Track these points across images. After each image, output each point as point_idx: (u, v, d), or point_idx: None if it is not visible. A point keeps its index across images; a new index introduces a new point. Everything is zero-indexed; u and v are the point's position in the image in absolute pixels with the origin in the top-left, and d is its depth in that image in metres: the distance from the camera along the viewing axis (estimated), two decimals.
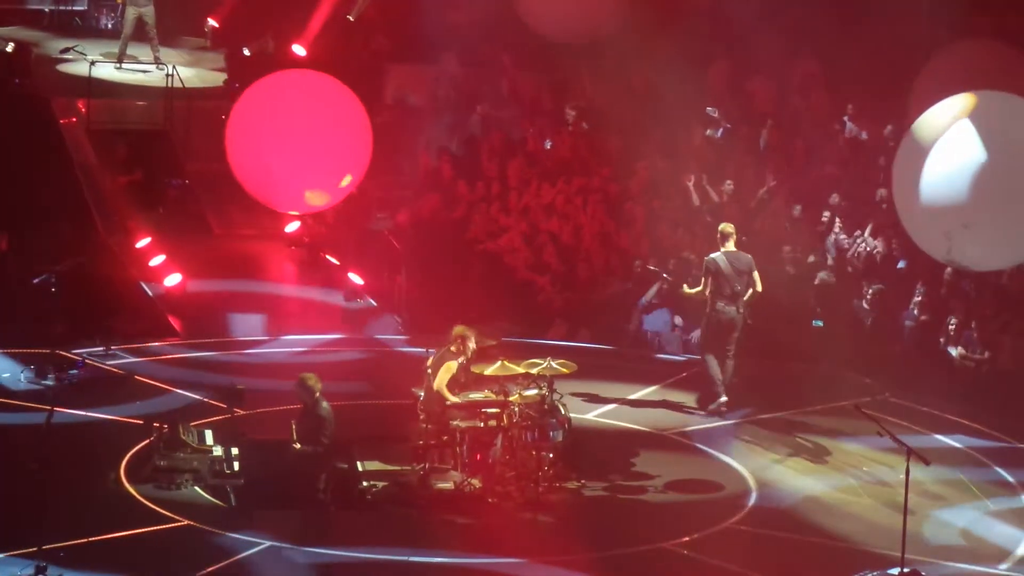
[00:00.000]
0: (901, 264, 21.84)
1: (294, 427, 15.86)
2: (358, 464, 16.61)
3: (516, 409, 16.28)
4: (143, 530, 15.02)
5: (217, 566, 14.37)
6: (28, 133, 24.30)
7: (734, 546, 15.40)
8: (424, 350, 17.31)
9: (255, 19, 29.09)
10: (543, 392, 16.49)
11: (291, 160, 19.51)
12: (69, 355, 19.38)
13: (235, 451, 16.09)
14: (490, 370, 16.60)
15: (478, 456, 16.24)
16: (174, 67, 25.90)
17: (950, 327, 20.31)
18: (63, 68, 27.51)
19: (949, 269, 20.52)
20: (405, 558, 14.78)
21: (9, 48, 26.67)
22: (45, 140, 24.42)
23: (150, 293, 22.22)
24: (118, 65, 27.23)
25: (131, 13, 26.89)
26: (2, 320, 20.60)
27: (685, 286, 19.77)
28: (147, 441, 16.26)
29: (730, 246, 19.23)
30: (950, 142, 17.53)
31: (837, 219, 22.73)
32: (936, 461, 15.87)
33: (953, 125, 17.60)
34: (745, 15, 25.45)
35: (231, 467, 15.94)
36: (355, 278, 23.10)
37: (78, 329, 20.43)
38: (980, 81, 19.61)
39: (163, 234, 23.18)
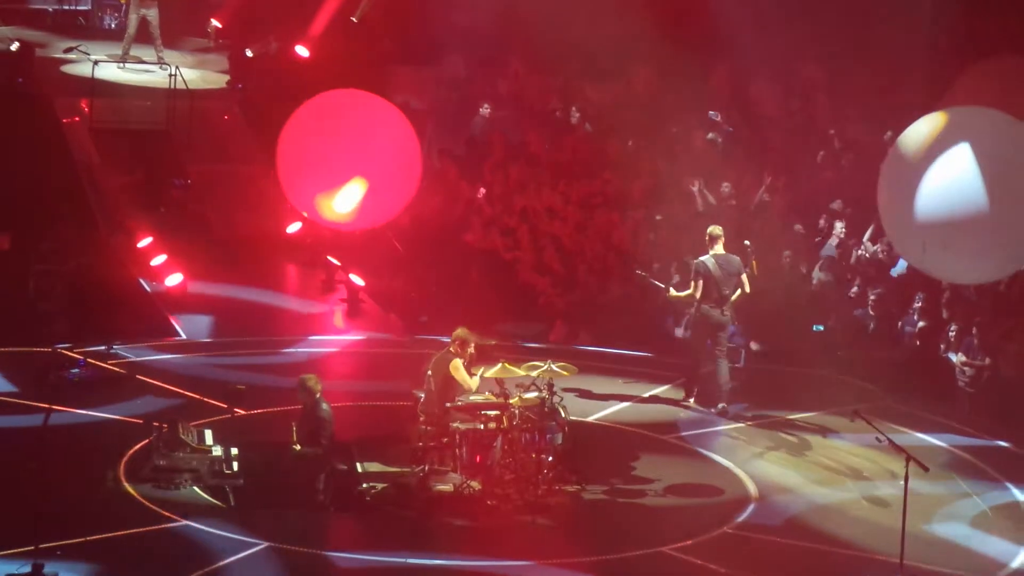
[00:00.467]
0: (897, 270, 21.85)
1: (294, 428, 15.86)
2: (358, 465, 16.61)
3: (516, 411, 16.28)
4: (141, 529, 15.01)
5: (215, 566, 14.36)
6: (31, 132, 24.32)
7: (733, 550, 15.39)
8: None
9: (258, 20, 29.12)
10: (543, 395, 16.50)
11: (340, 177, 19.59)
12: (70, 354, 19.39)
13: (234, 451, 16.09)
14: (491, 372, 16.60)
15: (478, 458, 16.22)
16: (177, 68, 25.92)
17: (950, 333, 20.30)
18: (66, 68, 27.52)
19: None
20: (404, 560, 14.76)
21: (13, 47, 26.70)
22: (48, 139, 24.44)
23: (151, 292, 22.22)
24: (121, 65, 27.25)
25: (135, 13, 26.92)
26: (3, 319, 20.61)
27: (672, 289, 19.76)
28: (146, 440, 16.26)
29: (719, 248, 19.21)
30: (939, 157, 17.55)
31: (837, 224, 22.73)
32: (935, 466, 15.84)
33: (939, 140, 17.64)
34: (747, 19, 25.46)
35: (230, 467, 15.93)
36: (356, 279, 23.09)
37: (79, 328, 20.43)
38: (1012, 97, 19.62)
39: (165, 234, 23.18)
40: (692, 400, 19.48)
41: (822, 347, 21.20)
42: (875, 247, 22.24)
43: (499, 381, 16.59)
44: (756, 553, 15.41)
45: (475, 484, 16.12)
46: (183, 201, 24.76)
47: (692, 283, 19.20)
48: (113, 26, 30.21)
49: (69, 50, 27.84)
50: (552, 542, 15.44)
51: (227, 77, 28.20)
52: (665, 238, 23.03)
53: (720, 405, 19.21)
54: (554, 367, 16.61)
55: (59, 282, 21.32)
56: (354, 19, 29.21)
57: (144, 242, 22.84)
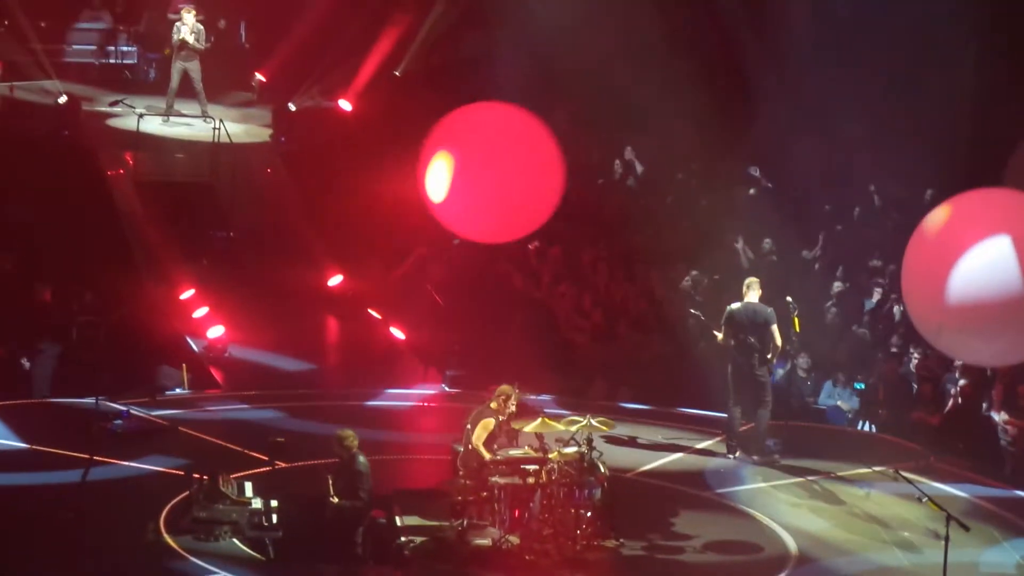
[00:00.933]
0: None
1: (331, 481, 15.87)
2: (396, 519, 16.61)
3: (555, 466, 16.27)
4: None
5: None
6: (76, 185, 24.52)
7: None
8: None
9: (302, 74, 29.31)
10: (582, 449, 16.49)
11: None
12: (114, 405, 19.50)
13: (274, 504, 16.11)
14: (530, 427, 16.61)
15: (516, 513, 16.20)
16: (221, 121, 26.10)
17: (993, 392, 20.21)
18: (112, 121, 27.74)
19: None
20: None
21: (61, 100, 26.95)
22: (92, 192, 24.63)
23: (193, 344, 22.33)
24: (165, 119, 27.45)
25: (177, 67, 27.12)
26: (47, 371, 20.74)
27: (718, 333, 19.76)
28: (187, 492, 16.31)
29: (751, 297, 19.24)
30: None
31: (878, 280, 22.71)
32: (977, 526, 15.74)
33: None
34: (786, 74, 25.54)
35: (270, 520, 15.95)
36: (397, 332, 23.17)
37: (123, 379, 20.53)
38: None
39: (207, 286, 23.30)
40: (733, 456, 19.46)
41: (863, 404, 21.15)
42: None
43: (539, 436, 16.58)
44: None
45: (513, 539, 16.10)
46: (225, 254, 24.89)
47: (722, 329, 19.29)
48: (155, 77, 30.44)
49: (115, 103, 28.05)
50: None
51: (270, 131, 28.36)
52: (707, 294, 23.02)
53: (755, 457, 19.21)
54: (593, 422, 16.60)
55: (102, 333, 21.43)
56: (397, 73, 29.42)
57: (186, 294, 22.98)
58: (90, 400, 19.21)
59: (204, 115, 27.32)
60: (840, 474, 19.20)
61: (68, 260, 22.76)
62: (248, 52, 31.14)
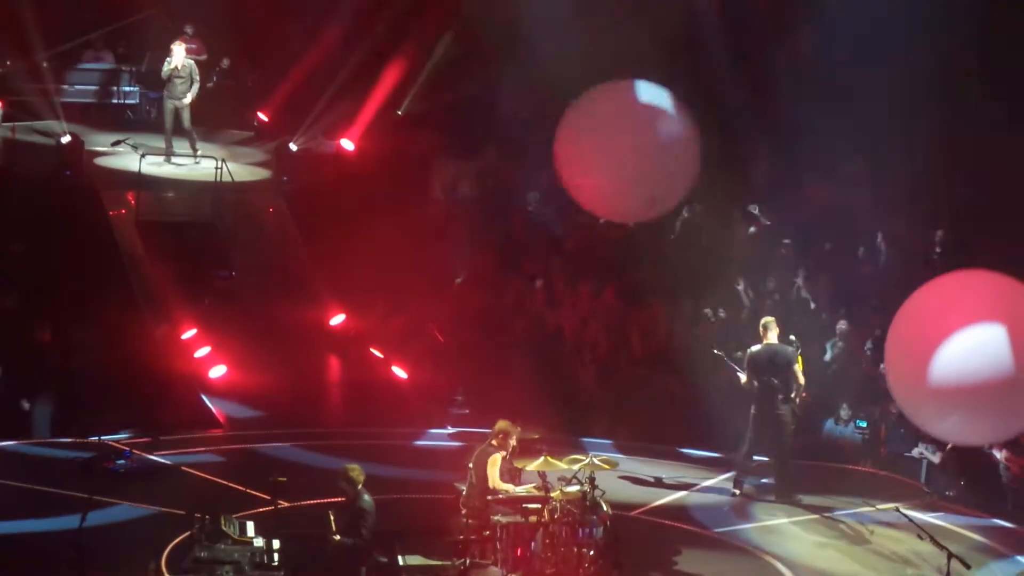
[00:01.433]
0: None
1: (332, 518, 15.83)
2: (399, 558, 16.55)
3: (557, 505, 16.24)
4: None
5: None
6: (77, 224, 24.56)
7: None
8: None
9: (304, 113, 29.39)
10: (584, 488, 16.46)
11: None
12: (116, 445, 19.49)
13: (276, 543, 16.06)
14: (533, 465, 16.59)
15: (519, 552, 16.16)
16: (223, 160, 26.14)
17: None
18: (114, 161, 27.78)
19: None
20: None
21: (65, 140, 27.00)
22: (94, 231, 24.66)
23: (194, 383, 22.32)
24: (166, 159, 27.47)
25: (168, 106, 27.16)
26: (47, 411, 20.74)
27: (742, 375, 19.75)
28: (188, 532, 16.27)
29: (771, 339, 19.28)
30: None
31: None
32: (978, 563, 15.73)
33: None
34: (790, 112, 25.57)
35: (272, 559, 15.89)
36: (399, 371, 23.17)
37: (124, 419, 20.53)
38: None
39: (209, 325, 23.32)
40: (739, 492, 19.48)
41: (864, 442, 21.14)
42: None
43: (541, 474, 16.56)
44: None
45: None
46: (227, 293, 24.91)
47: (744, 372, 19.28)
48: (156, 117, 30.53)
49: (117, 143, 28.11)
50: None
51: (273, 170, 28.40)
52: (708, 332, 23.03)
53: (777, 498, 19.29)
54: (596, 460, 16.58)
55: (104, 373, 21.43)
56: (399, 112, 29.50)
57: (188, 333, 22.99)
58: (92, 440, 19.22)
59: (194, 153, 27.33)
60: (844, 511, 19.18)
61: (69, 300, 22.77)
62: (250, 91, 31.20)
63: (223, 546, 15.86)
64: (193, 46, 28.35)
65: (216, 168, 25.99)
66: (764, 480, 19.66)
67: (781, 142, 26.20)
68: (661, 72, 26.25)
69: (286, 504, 17.24)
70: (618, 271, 24.65)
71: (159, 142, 27.89)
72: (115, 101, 30.91)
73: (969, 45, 25.39)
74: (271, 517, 16.43)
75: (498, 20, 27.62)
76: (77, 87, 30.43)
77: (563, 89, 26.68)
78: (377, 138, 29.42)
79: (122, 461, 19.03)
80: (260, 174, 28.27)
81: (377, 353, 23.85)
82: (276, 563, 15.84)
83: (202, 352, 22.70)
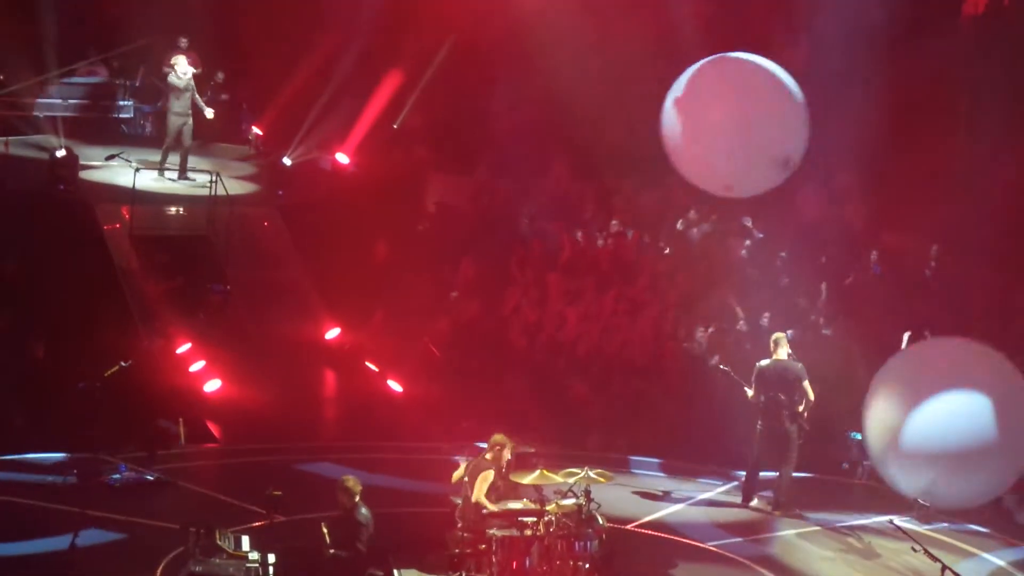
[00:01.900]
0: None
1: (326, 531, 15.81)
2: (395, 572, 16.53)
3: (553, 518, 16.21)
4: None
5: None
6: (72, 238, 24.53)
7: None
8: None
9: (300, 127, 29.41)
10: (580, 501, 16.44)
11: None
12: (111, 460, 19.45)
13: (271, 558, 16.03)
14: (528, 478, 16.56)
15: (514, 565, 16.12)
16: (218, 174, 26.13)
17: None
18: (108, 175, 27.76)
19: None
20: None
21: (60, 154, 26.98)
22: (88, 245, 24.64)
23: (189, 397, 22.28)
24: (160, 174, 27.46)
25: (174, 123, 27.11)
26: (40, 426, 20.70)
27: (749, 390, 19.73)
28: (183, 546, 16.23)
29: (779, 354, 19.29)
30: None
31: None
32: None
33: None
34: None
35: (267, 574, 15.86)
36: (394, 385, 23.15)
37: (119, 434, 20.49)
38: None
39: (204, 340, 23.29)
40: (748, 505, 19.47)
41: (860, 454, 21.12)
42: None
43: (536, 487, 16.54)
44: None
45: None
46: (222, 307, 24.89)
47: (752, 386, 19.31)
48: (153, 133, 30.53)
49: (111, 157, 28.09)
50: None
51: (268, 184, 28.40)
52: (708, 346, 23.05)
53: (775, 512, 19.30)
54: (591, 474, 16.56)
55: (98, 387, 21.38)
56: (395, 126, 29.53)
57: (183, 348, 22.97)
58: (87, 455, 19.19)
59: (183, 174, 27.29)
60: (840, 525, 19.17)
61: (63, 314, 22.74)
62: (244, 105, 31.23)
63: (218, 560, 15.81)
64: (189, 59, 28.35)
65: (211, 182, 25.98)
66: (767, 493, 19.63)
67: None
68: (655, 84, 26.48)
69: (282, 518, 17.21)
70: (614, 284, 24.64)
71: (153, 156, 27.89)
72: (114, 115, 30.90)
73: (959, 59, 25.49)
74: (266, 531, 16.43)
75: (492, 35, 27.71)
76: (71, 101, 30.39)
77: (558, 101, 26.95)
78: (372, 152, 29.45)
79: (117, 476, 18.99)
80: (255, 188, 28.25)
81: (372, 367, 23.83)
82: None
83: (197, 366, 22.67)
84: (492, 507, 16.39)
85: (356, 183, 28.66)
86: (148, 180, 27.09)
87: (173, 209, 26.68)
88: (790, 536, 18.80)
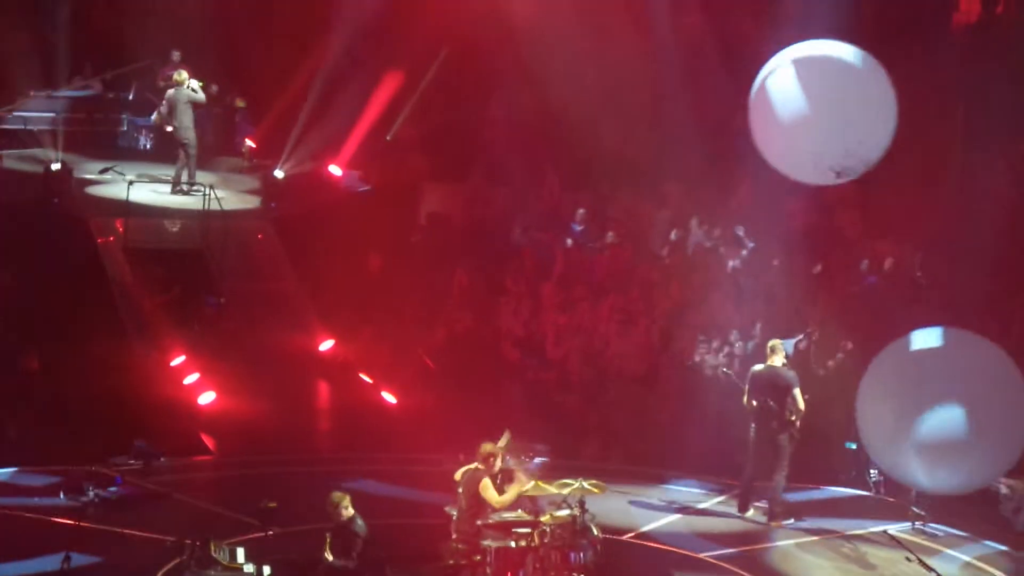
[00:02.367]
0: None
1: (328, 539, 15.83)
2: None
3: (547, 529, 16.21)
4: None
5: None
6: (66, 252, 24.53)
7: None
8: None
9: (293, 140, 29.41)
10: (574, 512, 16.43)
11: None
12: (108, 472, 19.45)
13: (267, 570, 16.02)
14: (522, 490, 16.53)
15: None
16: (211, 188, 26.13)
17: None
18: (101, 188, 27.76)
19: None
20: None
21: (55, 167, 26.99)
22: (82, 259, 24.63)
23: (184, 410, 22.28)
24: (177, 189, 27.42)
25: (193, 136, 27.12)
26: (35, 438, 20.70)
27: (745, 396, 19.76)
28: (178, 559, 16.23)
29: (774, 361, 19.30)
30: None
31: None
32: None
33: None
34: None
35: None
36: (388, 396, 23.15)
37: (113, 447, 20.49)
38: None
39: (198, 352, 23.29)
40: (744, 515, 19.47)
41: (854, 465, 21.13)
42: None
43: (531, 498, 16.53)
44: None
45: None
46: (216, 319, 24.88)
47: (746, 391, 19.34)
48: (148, 147, 30.54)
49: (105, 171, 28.10)
50: None
51: (261, 197, 28.42)
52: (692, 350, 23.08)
53: (771, 522, 19.30)
54: (585, 484, 16.55)
55: (94, 400, 21.40)
56: (388, 138, 29.54)
57: (177, 360, 22.97)
58: (83, 468, 19.19)
59: (191, 184, 27.26)
60: (835, 535, 19.17)
61: (58, 327, 22.74)
62: (238, 118, 31.24)
63: (213, 573, 15.84)
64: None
65: (204, 195, 25.97)
66: (761, 503, 19.61)
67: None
68: (648, 93, 26.54)
69: (277, 530, 17.20)
70: (608, 293, 24.66)
71: (147, 169, 27.91)
72: (107, 129, 30.91)
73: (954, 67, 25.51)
74: (262, 543, 16.43)
75: (488, 45, 27.73)
76: (64, 115, 30.40)
77: (551, 112, 26.98)
78: (365, 164, 29.46)
79: (113, 488, 18.98)
80: (249, 201, 28.27)
81: (366, 378, 23.83)
82: None
83: (191, 379, 22.67)
84: (504, 499, 16.28)
85: (350, 194, 28.70)
86: (142, 193, 27.07)
87: (167, 222, 26.68)
88: (787, 546, 18.80)
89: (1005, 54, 25.92)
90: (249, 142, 30.48)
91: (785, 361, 19.52)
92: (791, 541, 18.92)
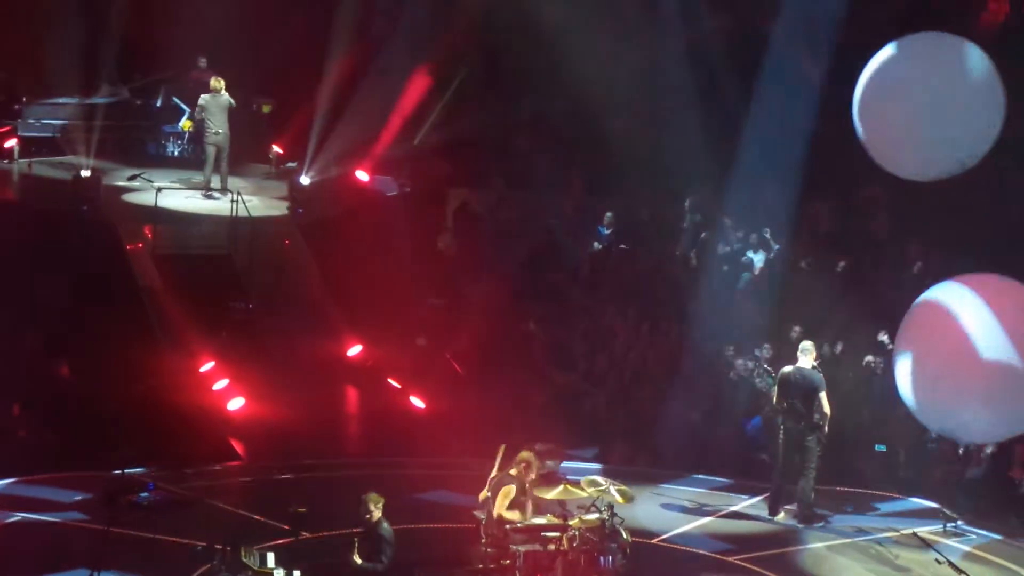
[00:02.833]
0: None
1: (356, 542, 15.86)
2: None
3: (576, 533, 16.22)
4: None
5: None
6: (95, 258, 24.60)
7: None
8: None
9: (320, 146, 29.46)
10: (603, 515, 16.44)
11: None
12: (139, 478, 19.51)
13: (297, 574, 16.05)
14: (552, 494, 16.56)
15: None
16: (239, 193, 26.20)
17: (1018, 452, 20.11)
18: (130, 195, 27.85)
19: None
20: None
21: (85, 174, 27.09)
22: (111, 265, 24.70)
23: (213, 416, 22.33)
24: (207, 194, 27.50)
25: (211, 146, 27.21)
26: (65, 445, 20.78)
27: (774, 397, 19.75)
28: (209, 564, 16.27)
29: (803, 362, 19.26)
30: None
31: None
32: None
33: None
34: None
35: None
36: (417, 401, 23.18)
37: (144, 453, 20.55)
38: None
39: (227, 358, 23.35)
40: (776, 518, 19.45)
41: (885, 467, 21.09)
42: None
43: (560, 502, 16.55)
44: None
45: None
46: (245, 325, 24.93)
47: (775, 392, 19.35)
48: (176, 153, 30.62)
49: (133, 177, 28.18)
50: None
51: (288, 202, 28.47)
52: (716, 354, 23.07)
53: (799, 524, 19.29)
54: (612, 490, 16.53)
55: (125, 406, 21.46)
56: (415, 143, 29.59)
57: (206, 366, 23.03)
58: (116, 473, 19.26)
59: (224, 190, 27.32)
60: (866, 537, 19.14)
61: (87, 334, 22.81)
62: (265, 123, 31.33)
63: None
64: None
65: (232, 201, 26.04)
66: (792, 506, 19.59)
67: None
68: (677, 100, 26.54)
69: (307, 535, 17.24)
70: (636, 296, 24.67)
71: (176, 175, 27.99)
72: (136, 136, 31.01)
73: None
74: (292, 548, 16.46)
75: (514, 51, 27.74)
76: (93, 122, 30.49)
77: (578, 117, 26.99)
78: (392, 169, 29.50)
79: (145, 494, 19.04)
80: (276, 206, 28.33)
81: (395, 383, 23.86)
82: None
83: (220, 385, 22.72)
84: (511, 516, 16.35)
85: (376, 200, 28.74)
86: (171, 200, 27.15)
87: (195, 228, 26.75)
88: (818, 549, 18.77)
89: None
90: (276, 148, 30.55)
91: (815, 364, 19.49)
92: (822, 544, 18.90)
